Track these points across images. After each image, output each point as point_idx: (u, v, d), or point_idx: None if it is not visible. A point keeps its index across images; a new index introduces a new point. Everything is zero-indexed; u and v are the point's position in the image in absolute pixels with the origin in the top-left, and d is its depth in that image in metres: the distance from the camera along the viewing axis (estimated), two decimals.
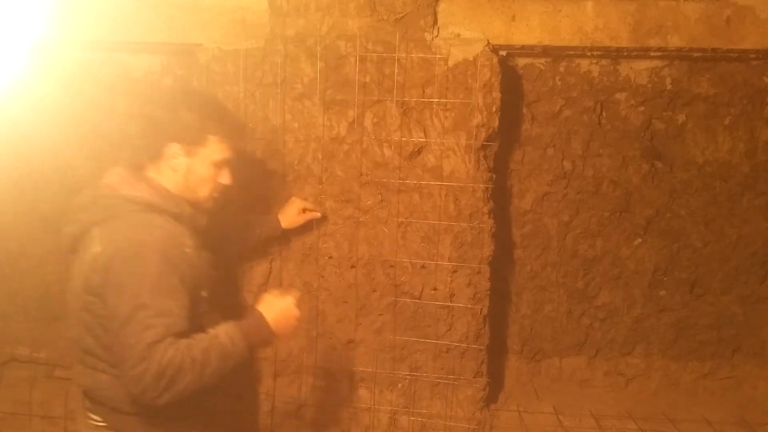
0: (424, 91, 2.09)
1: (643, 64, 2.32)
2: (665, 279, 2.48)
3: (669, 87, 2.34)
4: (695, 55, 2.20)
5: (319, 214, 2.12)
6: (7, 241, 2.58)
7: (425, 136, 2.11)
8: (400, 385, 2.23)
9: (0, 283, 2.63)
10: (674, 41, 2.11)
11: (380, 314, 2.18)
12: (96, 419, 1.53)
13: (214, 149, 1.58)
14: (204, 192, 1.61)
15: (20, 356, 2.55)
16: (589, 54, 2.25)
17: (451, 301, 2.15)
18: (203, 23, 2.13)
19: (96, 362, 1.49)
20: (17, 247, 2.59)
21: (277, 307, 1.55)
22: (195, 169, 1.57)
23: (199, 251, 1.54)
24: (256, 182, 2.11)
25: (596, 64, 2.33)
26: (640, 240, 2.46)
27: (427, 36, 2.09)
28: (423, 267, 2.15)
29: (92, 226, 1.48)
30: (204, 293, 1.55)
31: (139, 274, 1.39)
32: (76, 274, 1.50)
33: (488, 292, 2.17)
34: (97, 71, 2.39)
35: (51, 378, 2.50)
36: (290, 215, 2.08)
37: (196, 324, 1.45)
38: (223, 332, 1.46)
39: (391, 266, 2.15)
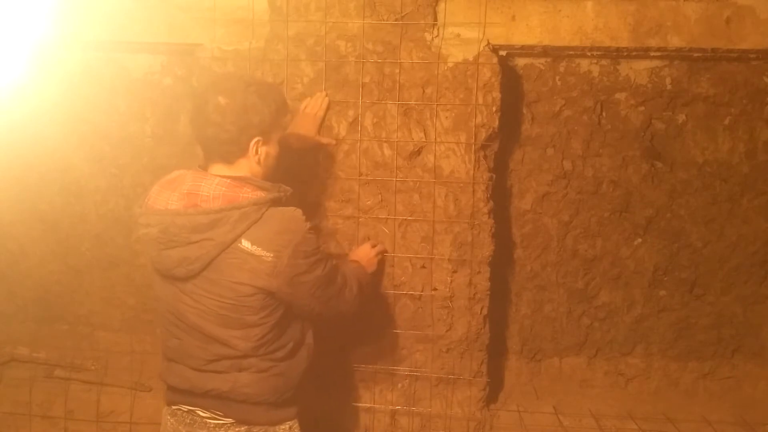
0: (424, 91, 2.09)
1: (643, 64, 2.32)
2: (665, 279, 2.48)
3: (669, 87, 2.34)
4: (695, 55, 2.20)
5: (334, 142, 2.11)
6: (7, 241, 2.58)
7: (425, 136, 2.11)
8: (400, 385, 2.23)
9: (0, 283, 2.63)
10: (674, 41, 2.11)
11: (380, 314, 2.18)
12: (226, 420, 1.60)
13: (280, 129, 1.65)
14: (272, 172, 1.66)
15: (20, 356, 2.55)
16: (589, 54, 2.25)
17: (451, 301, 2.15)
18: (203, 23, 2.13)
19: (238, 362, 1.56)
20: (17, 247, 2.59)
21: (361, 253, 2.02)
22: (269, 155, 1.61)
23: None
24: None
25: (596, 64, 2.33)
26: (640, 240, 2.46)
27: (427, 36, 2.09)
28: (423, 267, 2.15)
29: (235, 240, 1.46)
30: None
31: (317, 251, 1.57)
32: (221, 287, 1.49)
33: (488, 292, 2.17)
34: (97, 71, 2.39)
35: (51, 378, 2.50)
36: (303, 131, 2.07)
37: None
38: (353, 264, 1.91)
39: (391, 266, 2.15)
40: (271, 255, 1.47)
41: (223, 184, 1.50)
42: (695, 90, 2.33)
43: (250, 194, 1.50)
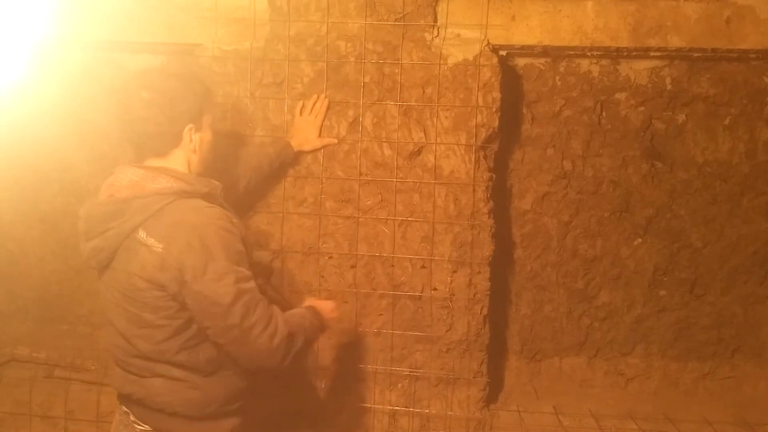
0: (424, 91, 2.09)
1: (643, 64, 2.32)
2: (665, 279, 2.48)
3: (669, 87, 2.34)
4: (695, 55, 2.20)
5: (336, 141, 2.10)
6: (7, 241, 2.58)
7: (425, 136, 2.11)
8: (400, 384, 2.23)
9: (0, 283, 2.63)
10: (674, 41, 2.11)
11: (380, 314, 2.18)
12: (146, 427, 1.54)
13: (209, 115, 1.58)
14: (210, 160, 1.60)
15: (20, 356, 2.55)
16: (589, 54, 2.25)
17: (451, 301, 2.15)
18: (203, 23, 2.13)
19: (152, 367, 1.48)
20: (17, 247, 2.59)
21: (320, 306, 1.69)
22: (203, 141, 1.56)
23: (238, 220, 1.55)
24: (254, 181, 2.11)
25: (596, 64, 2.33)
26: (640, 240, 2.46)
27: (427, 36, 2.09)
28: (423, 267, 2.15)
29: (133, 230, 1.41)
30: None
31: (218, 256, 1.40)
32: (122, 280, 1.45)
33: (488, 292, 2.17)
34: (97, 71, 2.39)
35: (51, 378, 2.50)
36: (303, 137, 2.08)
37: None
38: (305, 310, 1.63)
39: (391, 266, 2.15)
40: (161, 246, 1.38)
41: (137, 174, 1.46)
42: (695, 90, 2.33)
43: (158, 184, 1.44)
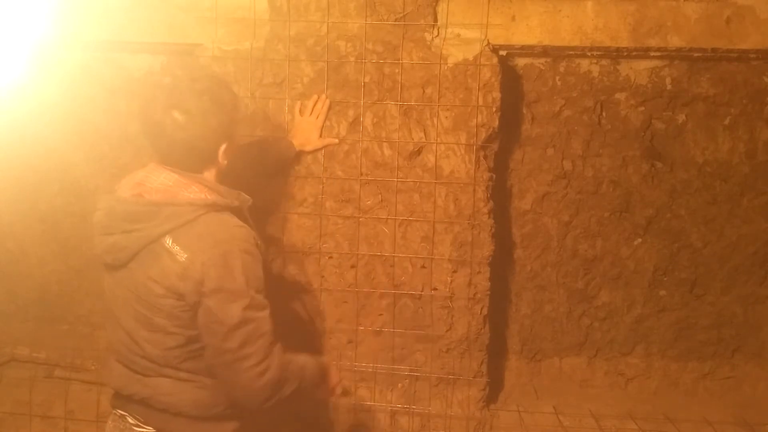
0: (424, 91, 2.10)
1: (643, 64, 2.32)
2: (665, 279, 2.48)
3: (669, 87, 2.34)
4: (695, 55, 2.21)
5: (336, 141, 2.10)
6: (7, 240, 2.58)
7: (425, 136, 2.11)
8: (400, 384, 2.23)
9: (0, 283, 2.63)
10: (674, 41, 2.11)
11: (380, 314, 2.18)
12: (148, 429, 1.52)
13: (236, 132, 1.57)
14: (229, 168, 1.59)
15: (20, 356, 2.55)
16: (589, 54, 2.25)
17: (451, 301, 2.15)
18: (203, 23, 2.13)
19: (157, 368, 1.47)
20: (17, 247, 2.59)
21: (329, 371, 1.69)
22: (228, 154, 1.55)
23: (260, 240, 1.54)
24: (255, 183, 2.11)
25: (596, 64, 2.33)
26: (640, 240, 2.46)
27: (427, 36, 2.09)
28: (423, 267, 2.15)
29: (161, 236, 1.41)
30: None
31: (237, 277, 1.39)
32: (139, 282, 1.44)
33: (488, 292, 2.17)
34: (97, 72, 2.39)
35: (51, 378, 2.50)
36: (305, 138, 2.08)
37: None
38: (312, 362, 1.59)
39: (391, 266, 2.15)
40: (186, 255, 1.38)
41: (171, 179, 1.45)
42: (695, 90, 2.33)
43: (192, 194, 1.44)
